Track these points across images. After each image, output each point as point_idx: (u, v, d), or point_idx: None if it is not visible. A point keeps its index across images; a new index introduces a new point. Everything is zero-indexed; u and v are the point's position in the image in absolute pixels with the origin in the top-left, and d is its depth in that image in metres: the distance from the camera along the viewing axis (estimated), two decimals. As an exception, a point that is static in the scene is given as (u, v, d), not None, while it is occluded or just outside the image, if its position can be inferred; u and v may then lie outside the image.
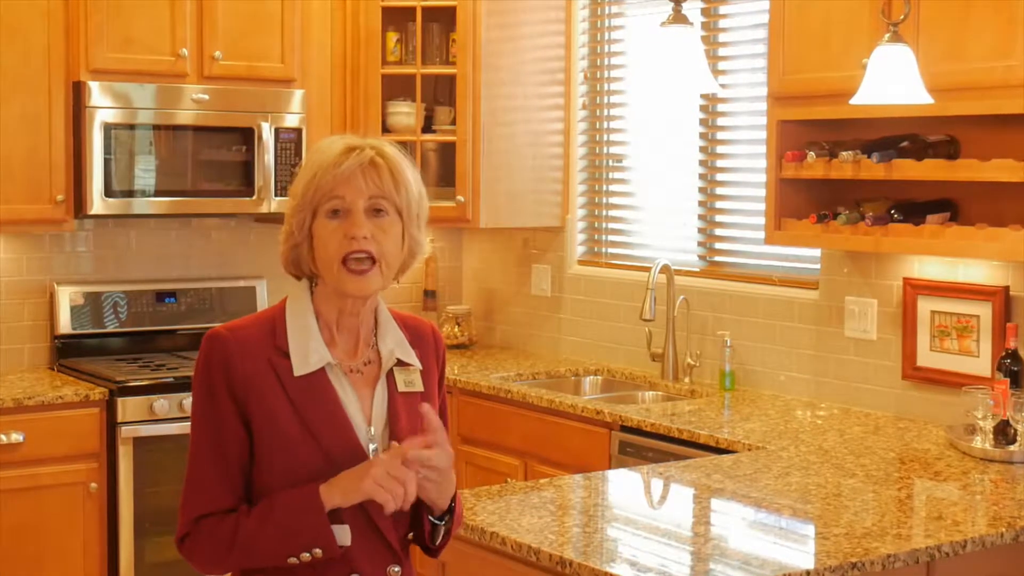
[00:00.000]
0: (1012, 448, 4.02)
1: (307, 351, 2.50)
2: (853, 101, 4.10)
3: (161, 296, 5.75)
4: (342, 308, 2.54)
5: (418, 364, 2.61)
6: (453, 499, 2.57)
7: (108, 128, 5.27)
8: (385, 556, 2.51)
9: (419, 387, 2.59)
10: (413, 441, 2.45)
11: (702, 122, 5.47)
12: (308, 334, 2.51)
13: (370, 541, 2.50)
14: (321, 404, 2.48)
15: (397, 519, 2.52)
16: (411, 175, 2.53)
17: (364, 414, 2.52)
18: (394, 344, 2.58)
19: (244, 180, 5.57)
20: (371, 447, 2.50)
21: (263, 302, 5.86)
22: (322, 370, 2.50)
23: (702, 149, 5.48)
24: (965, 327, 4.47)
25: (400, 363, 2.58)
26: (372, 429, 2.52)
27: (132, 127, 5.34)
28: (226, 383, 2.46)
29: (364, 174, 2.46)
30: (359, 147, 2.48)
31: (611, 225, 5.95)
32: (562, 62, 5.96)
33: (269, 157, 5.57)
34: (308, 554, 2.42)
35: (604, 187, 5.97)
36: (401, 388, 2.56)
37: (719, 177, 5.45)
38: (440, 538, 2.59)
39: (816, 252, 4.95)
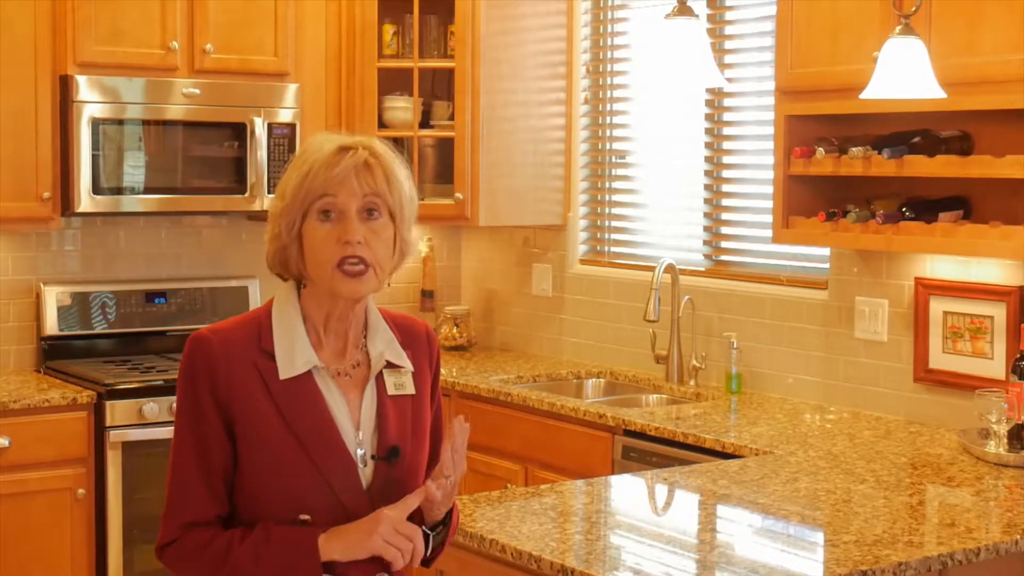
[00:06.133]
0: (1027, 453, 4.02)
1: (293, 353, 2.47)
2: (863, 96, 4.09)
3: (151, 296, 5.72)
4: (331, 310, 2.51)
5: (409, 366, 2.58)
6: (449, 511, 2.56)
7: (96, 123, 5.24)
8: (372, 564, 2.46)
9: (410, 390, 2.57)
10: (430, 485, 2.46)
11: (708, 117, 5.46)
12: (294, 336, 2.48)
13: None
14: (307, 408, 2.46)
15: None
16: (403, 175, 2.50)
17: (352, 418, 2.50)
18: (384, 346, 2.56)
19: (236, 177, 5.55)
20: (359, 452, 2.48)
21: (255, 302, 5.86)
22: (308, 373, 2.48)
23: (708, 145, 5.47)
24: (978, 328, 4.45)
25: (390, 365, 2.55)
26: (360, 433, 2.49)
27: (121, 122, 5.32)
28: (209, 386, 2.44)
29: (358, 176, 2.44)
30: (352, 147, 2.45)
31: (614, 223, 5.93)
32: (564, 56, 5.95)
33: (262, 153, 5.55)
34: None
35: (607, 184, 5.95)
36: (391, 391, 2.54)
37: (725, 174, 5.44)
38: (431, 549, 2.55)
39: (825, 251, 4.94)
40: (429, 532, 2.52)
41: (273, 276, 2.57)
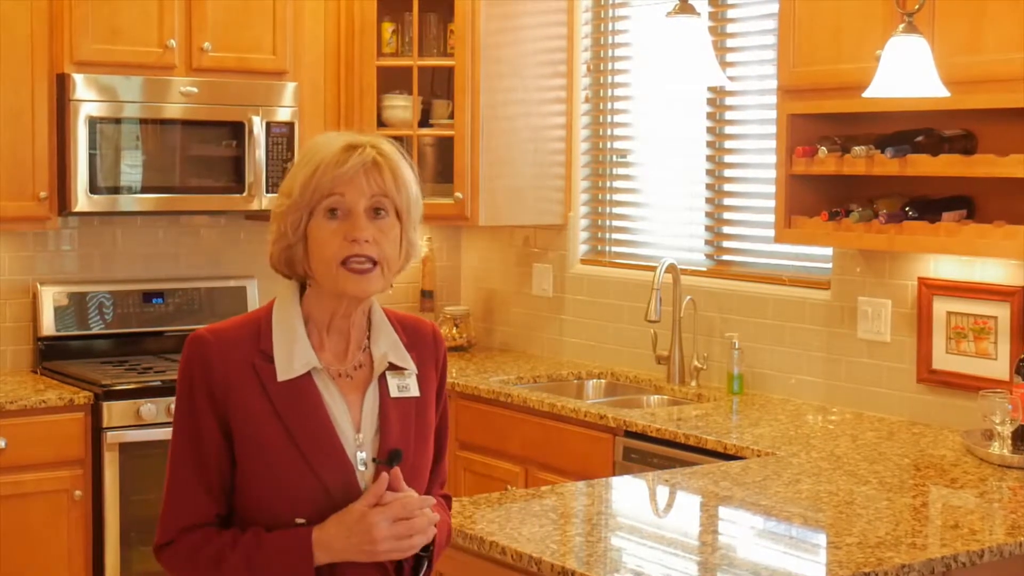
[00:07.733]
0: (1032, 454, 4.00)
1: (292, 355, 2.44)
2: (866, 94, 4.08)
3: (148, 296, 5.70)
4: (335, 310, 2.48)
5: (413, 368, 2.54)
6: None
7: (93, 122, 5.22)
8: (374, 573, 2.44)
9: (414, 392, 2.53)
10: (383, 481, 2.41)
11: (709, 116, 5.44)
12: (294, 337, 2.45)
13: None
14: (305, 410, 2.43)
15: None
16: (410, 175, 2.48)
17: (352, 420, 2.46)
18: (387, 347, 2.52)
19: (234, 176, 5.53)
20: (359, 455, 2.44)
21: (254, 302, 5.84)
22: (308, 375, 2.45)
23: (709, 144, 5.45)
24: (982, 328, 4.43)
25: (394, 367, 2.52)
26: (360, 436, 2.46)
27: (118, 121, 5.30)
28: (206, 388, 2.42)
29: (367, 174, 2.41)
30: (360, 145, 2.43)
31: (615, 223, 5.91)
32: (564, 54, 5.93)
33: (260, 152, 5.53)
34: None
35: (608, 183, 5.93)
36: (394, 393, 2.50)
37: (727, 173, 5.42)
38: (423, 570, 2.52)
39: (828, 251, 4.93)
40: (422, 553, 2.48)
41: (272, 276, 2.54)
